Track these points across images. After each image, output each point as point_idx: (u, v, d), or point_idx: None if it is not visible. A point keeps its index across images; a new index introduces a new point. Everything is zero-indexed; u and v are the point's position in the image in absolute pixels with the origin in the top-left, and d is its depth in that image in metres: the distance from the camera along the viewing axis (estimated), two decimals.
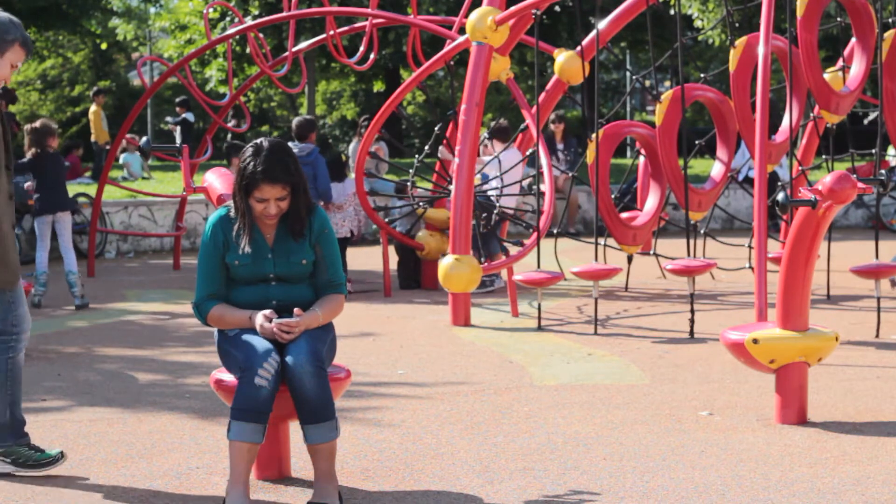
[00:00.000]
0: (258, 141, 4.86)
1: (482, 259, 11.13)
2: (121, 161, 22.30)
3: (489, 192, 11.38)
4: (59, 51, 35.08)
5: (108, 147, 22.06)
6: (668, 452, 5.47)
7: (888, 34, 9.53)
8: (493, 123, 12.27)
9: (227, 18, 25.49)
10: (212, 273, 4.91)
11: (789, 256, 5.94)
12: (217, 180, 6.02)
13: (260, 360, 4.64)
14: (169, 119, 24.51)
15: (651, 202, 10.62)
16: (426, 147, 12.02)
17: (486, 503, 4.75)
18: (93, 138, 23.06)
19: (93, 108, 23.51)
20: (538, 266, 9.56)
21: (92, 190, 15.67)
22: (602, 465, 5.28)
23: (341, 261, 5.41)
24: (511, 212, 11.57)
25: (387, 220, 12.16)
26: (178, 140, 20.80)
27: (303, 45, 15.25)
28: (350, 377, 5.08)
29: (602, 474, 5.12)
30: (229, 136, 22.12)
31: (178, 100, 24.27)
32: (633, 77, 11.17)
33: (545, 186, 10.57)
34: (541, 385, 7.11)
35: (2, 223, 5.14)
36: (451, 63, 11.29)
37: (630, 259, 11.64)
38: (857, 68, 9.67)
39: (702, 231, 11.11)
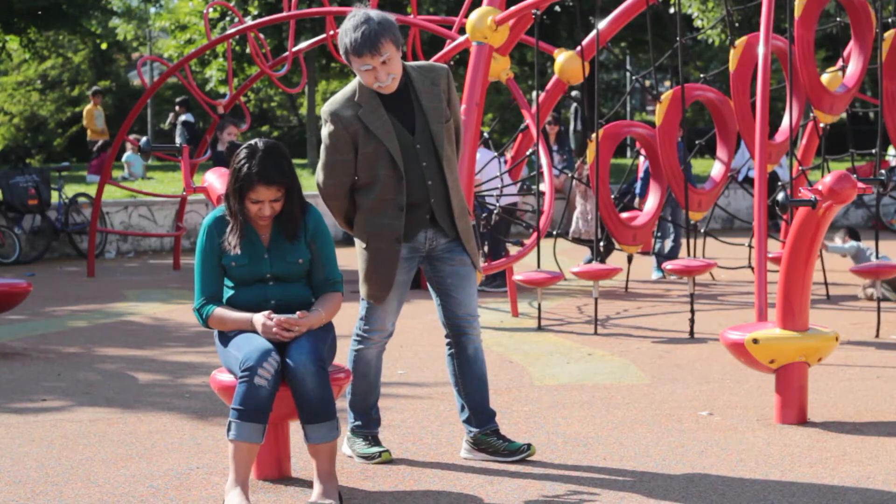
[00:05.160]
0: (252, 142, 4.86)
1: (484, 259, 11.12)
2: (123, 160, 22.29)
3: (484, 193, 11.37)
4: (59, 51, 35.02)
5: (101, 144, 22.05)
6: (668, 452, 5.47)
7: (888, 34, 9.53)
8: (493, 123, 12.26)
9: (227, 18, 25.49)
10: (210, 275, 4.92)
11: (789, 256, 5.94)
12: (217, 180, 6.03)
13: (260, 360, 4.64)
14: (172, 118, 24.46)
15: (651, 202, 10.62)
16: None
17: (486, 503, 4.75)
18: (88, 137, 23.02)
19: (88, 107, 23.50)
20: (538, 266, 9.56)
21: (92, 190, 15.67)
22: (602, 465, 5.28)
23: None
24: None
25: None
26: (179, 140, 20.79)
27: (303, 45, 15.24)
28: (350, 377, 5.08)
29: (602, 474, 5.12)
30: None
31: (178, 100, 24.28)
32: (633, 77, 11.17)
33: (545, 186, 10.57)
34: (541, 385, 7.10)
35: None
36: (451, 63, 11.29)
37: (630, 259, 11.64)
38: (854, 68, 9.67)
39: (702, 231, 11.11)
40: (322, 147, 5.23)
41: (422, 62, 5.37)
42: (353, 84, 5.22)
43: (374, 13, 5.08)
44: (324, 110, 5.20)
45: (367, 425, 5.44)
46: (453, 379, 5.42)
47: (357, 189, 5.24)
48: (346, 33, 5.06)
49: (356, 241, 5.31)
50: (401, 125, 5.17)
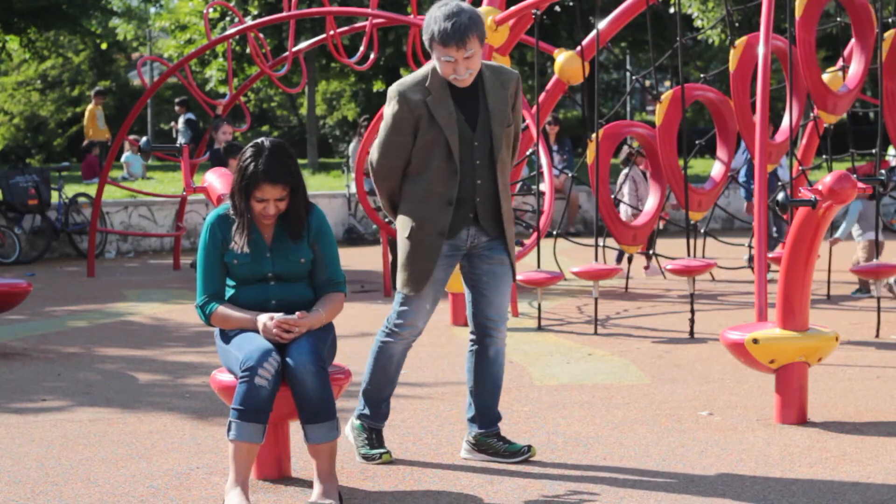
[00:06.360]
0: (258, 141, 4.86)
1: None
2: (122, 160, 22.29)
3: None
4: (59, 51, 35.03)
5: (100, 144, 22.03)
6: (668, 452, 5.47)
7: (888, 34, 9.53)
8: None
9: (227, 18, 25.48)
10: (213, 273, 4.92)
11: (789, 256, 5.94)
12: (217, 180, 6.03)
13: (260, 360, 4.64)
14: (175, 124, 24.42)
15: (651, 202, 10.62)
16: None
17: (486, 503, 4.75)
18: (88, 137, 22.99)
19: (89, 106, 23.48)
20: (538, 266, 9.56)
21: (92, 190, 15.67)
22: (602, 465, 5.28)
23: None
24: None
25: (387, 220, 12.16)
26: (184, 140, 20.79)
27: (303, 45, 15.25)
28: (350, 377, 5.08)
29: (602, 474, 5.12)
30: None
31: (177, 100, 24.26)
32: (633, 77, 11.17)
33: (545, 186, 10.57)
34: (541, 385, 7.10)
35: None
36: None
37: (630, 259, 11.64)
38: (856, 68, 9.67)
39: (702, 231, 11.12)
40: (382, 126, 5.18)
41: (495, 63, 5.35)
42: (425, 69, 5.20)
43: (466, 6, 5.08)
44: (392, 89, 5.17)
45: (375, 417, 5.40)
46: (468, 375, 5.42)
47: (406, 176, 5.21)
48: (436, 21, 5.04)
49: (398, 229, 5.27)
50: (464, 119, 5.16)
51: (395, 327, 5.32)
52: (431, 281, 5.23)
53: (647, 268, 12.52)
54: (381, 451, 5.35)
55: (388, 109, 5.17)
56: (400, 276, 5.27)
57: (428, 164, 5.15)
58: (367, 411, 5.41)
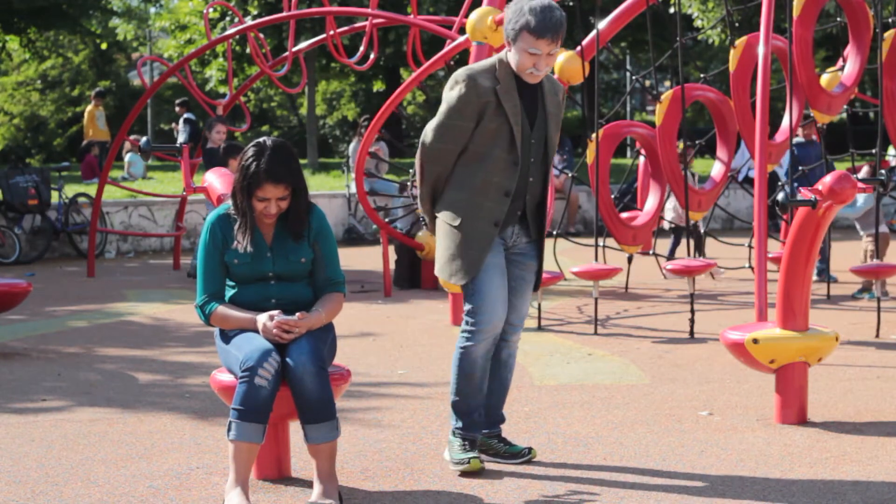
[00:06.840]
0: (260, 140, 4.86)
1: None
2: (126, 159, 22.29)
3: None
4: (59, 51, 35.04)
5: (101, 145, 22.02)
6: (668, 452, 5.47)
7: (888, 34, 9.54)
8: None
9: (227, 18, 25.49)
10: (213, 273, 4.91)
11: (789, 256, 5.94)
12: (217, 180, 6.04)
13: (260, 360, 4.64)
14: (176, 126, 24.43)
15: (651, 202, 10.63)
16: None
17: (486, 503, 4.76)
18: (87, 138, 22.98)
19: (89, 108, 23.48)
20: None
21: (92, 190, 15.68)
22: (602, 465, 5.28)
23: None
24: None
25: (387, 220, 12.16)
26: (182, 137, 20.79)
27: (303, 45, 15.25)
28: (350, 377, 5.08)
29: (602, 474, 5.12)
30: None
31: (178, 101, 24.27)
32: (633, 77, 11.17)
33: None
34: (541, 385, 7.11)
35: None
36: (452, 63, 11.28)
37: (630, 259, 11.64)
38: (851, 67, 9.68)
39: (702, 231, 11.11)
40: (444, 108, 5.10)
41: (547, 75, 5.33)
42: (492, 59, 5.16)
43: (557, 5, 5.06)
44: (460, 73, 5.10)
45: (469, 427, 5.24)
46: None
47: (459, 164, 5.13)
48: (532, 11, 4.99)
49: (441, 219, 5.17)
50: (525, 115, 5.15)
51: (471, 328, 5.16)
52: (492, 267, 5.11)
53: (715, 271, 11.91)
54: (470, 455, 5.16)
55: (454, 92, 5.07)
56: (447, 269, 5.15)
57: (488, 153, 5.09)
58: (459, 424, 5.24)
